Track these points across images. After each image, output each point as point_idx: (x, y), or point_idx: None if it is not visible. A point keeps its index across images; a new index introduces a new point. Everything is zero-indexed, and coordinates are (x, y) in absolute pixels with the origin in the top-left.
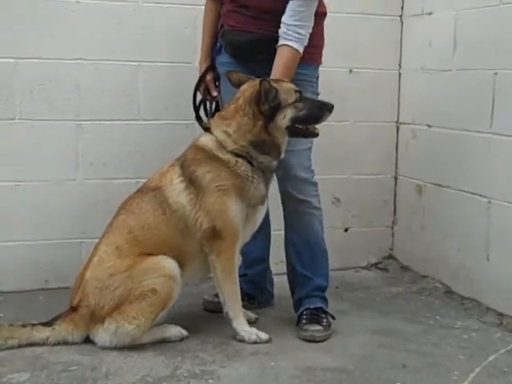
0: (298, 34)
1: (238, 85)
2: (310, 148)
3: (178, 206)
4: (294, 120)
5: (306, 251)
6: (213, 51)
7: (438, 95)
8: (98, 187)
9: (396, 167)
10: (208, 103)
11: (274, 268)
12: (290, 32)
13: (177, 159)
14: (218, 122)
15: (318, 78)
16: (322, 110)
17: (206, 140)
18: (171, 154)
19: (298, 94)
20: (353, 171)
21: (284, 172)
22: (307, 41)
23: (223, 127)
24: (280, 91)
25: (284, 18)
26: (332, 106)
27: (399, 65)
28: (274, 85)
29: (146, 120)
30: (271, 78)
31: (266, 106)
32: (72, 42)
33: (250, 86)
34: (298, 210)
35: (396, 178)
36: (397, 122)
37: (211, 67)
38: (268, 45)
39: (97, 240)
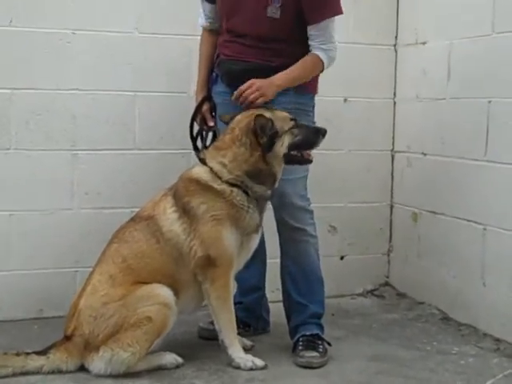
0: (325, 47)
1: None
2: (306, 176)
3: (171, 234)
4: (291, 146)
5: (301, 279)
6: (209, 81)
7: (433, 123)
8: (92, 216)
9: (391, 195)
10: (204, 133)
11: (269, 295)
12: (316, 44)
13: (169, 189)
14: (213, 153)
15: (314, 106)
16: (317, 134)
17: (200, 171)
18: (166, 183)
19: (293, 122)
20: (349, 199)
21: (280, 200)
22: (334, 59)
23: (218, 158)
24: (275, 120)
25: (310, 41)
26: (325, 131)
27: (394, 94)
28: (268, 115)
29: (141, 149)
30: (284, 74)
31: (265, 138)
32: (68, 72)
33: (244, 117)
34: (293, 238)
35: (392, 206)
36: (392, 150)
37: (207, 97)
38: (264, 74)
39: (91, 269)
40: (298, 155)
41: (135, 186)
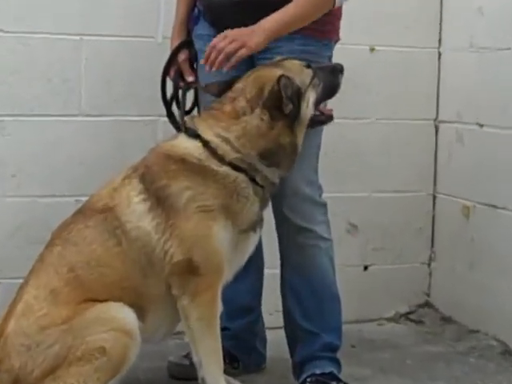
0: None
1: (220, 94)
2: (317, 154)
3: (139, 233)
4: (317, 103)
5: (309, 297)
6: (189, 21)
7: (493, 83)
8: (22, 207)
9: (435, 182)
10: (181, 92)
11: (267, 319)
12: None
13: (133, 169)
14: (210, 122)
15: (330, 57)
16: (335, 74)
17: (189, 146)
18: (124, 161)
19: (310, 70)
20: (375, 187)
21: (280, 187)
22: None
23: (218, 130)
24: (294, 76)
25: None
26: (342, 66)
27: (439, 41)
28: (280, 71)
29: (90, 115)
30: (276, 15)
31: (291, 105)
32: None
33: (251, 81)
34: (298, 242)
35: (434, 197)
36: (435, 119)
37: (186, 43)
38: (257, 9)
39: (20, 280)
40: (318, 113)
41: (82, 166)
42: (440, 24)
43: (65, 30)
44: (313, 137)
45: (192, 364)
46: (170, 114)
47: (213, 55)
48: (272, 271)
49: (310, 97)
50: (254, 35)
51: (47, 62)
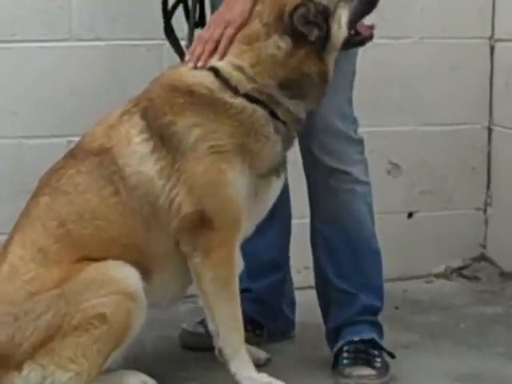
0: None
1: None
2: (351, 82)
3: (140, 179)
4: (351, 21)
5: (344, 251)
6: None
7: None
8: (3, 151)
9: (490, 112)
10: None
11: (296, 278)
12: None
13: (133, 103)
14: None
15: None
16: None
17: (198, 74)
18: (123, 94)
19: None
20: (420, 120)
21: (308, 122)
22: None
23: (228, 57)
24: None
25: None
26: None
27: None
28: None
29: (82, 40)
30: None
31: (316, 31)
32: None
33: (268, 4)
34: (330, 186)
35: (490, 130)
36: (491, 37)
37: None
38: None
39: (4, 237)
40: (353, 32)
41: (74, 99)
42: None
43: None
44: (345, 61)
45: (208, 332)
46: (169, 30)
47: (198, 48)
48: (300, 221)
49: (342, 15)
50: (233, 6)
51: None
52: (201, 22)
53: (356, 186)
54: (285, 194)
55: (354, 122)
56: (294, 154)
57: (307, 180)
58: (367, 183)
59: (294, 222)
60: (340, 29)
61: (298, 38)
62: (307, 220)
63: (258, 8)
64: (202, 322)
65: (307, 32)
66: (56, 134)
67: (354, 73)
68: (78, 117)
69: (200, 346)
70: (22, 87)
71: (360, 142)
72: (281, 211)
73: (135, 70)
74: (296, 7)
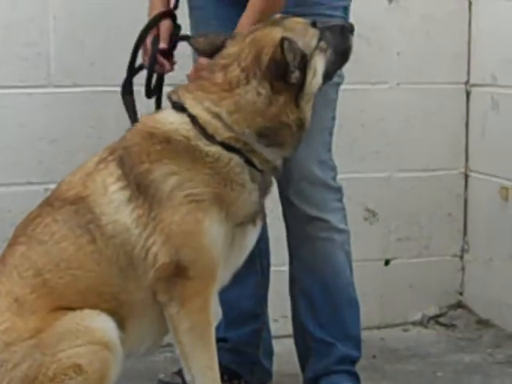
0: None
1: (211, 54)
2: (330, 129)
3: (116, 228)
4: (327, 70)
5: (322, 301)
6: None
7: None
8: None
9: (466, 158)
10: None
11: (273, 327)
12: None
13: (110, 150)
14: (197, 94)
15: (347, 8)
16: (345, 34)
17: (175, 121)
18: (101, 141)
19: (315, 30)
20: (396, 166)
21: (286, 169)
22: None
23: (206, 104)
24: (297, 38)
25: None
26: (352, 26)
27: None
28: (281, 33)
29: (59, 86)
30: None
31: (297, 73)
32: None
33: (247, 46)
34: (307, 234)
35: (467, 176)
36: (466, 82)
37: (170, 14)
38: None
39: None
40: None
41: (52, 147)
42: None
43: None
44: (325, 107)
45: (185, 383)
46: (127, 89)
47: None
48: (278, 269)
49: (318, 64)
50: None
51: (8, 22)
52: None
53: (334, 235)
54: (264, 243)
55: (333, 169)
56: (274, 202)
57: (286, 228)
58: (345, 231)
59: (272, 269)
60: (315, 77)
61: (276, 82)
62: (285, 268)
63: (235, 49)
64: (179, 373)
65: (290, 72)
66: (34, 181)
67: (333, 119)
68: (56, 164)
69: None
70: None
71: (338, 189)
72: (260, 260)
73: (113, 116)
74: (283, 40)
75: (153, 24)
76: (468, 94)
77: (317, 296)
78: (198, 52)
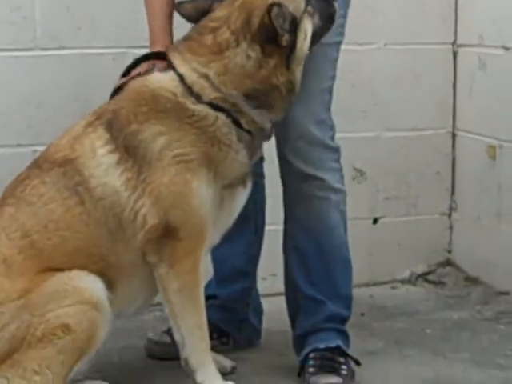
0: None
1: (198, 19)
2: (330, 88)
3: (105, 190)
4: (314, 35)
5: (315, 259)
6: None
7: None
8: None
9: (454, 117)
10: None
11: (262, 285)
12: None
13: (97, 114)
14: (186, 56)
15: None
16: (330, 2)
17: (163, 79)
18: (89, 104)
19: None
20: (385, 125)
21: (283, 128)
22: None
23: (194, 65)
24: (286, 3)
25: None
26: None
27: None
28: None
29: (46, 49)
30: None
31: (287, 36)
32: None
33: (236, 9)
34: (304, 193)
35: (454, 135)
36: (453, 43)
37: (162, 55)
38: None
39: None
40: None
41: (39, 110)
42: None
43: None
44: (325, 65)
45: (174, 342)
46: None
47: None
48: (271, 228)
49: (307, 26)
50: None
51: None
52: None
53: (330, 194)
54: (260, 202)
55: (331, 128)
56: (273, 160)
57: (283, 186)
58: (342, 191)
59: (267, 227)
60: (305, 40)
61: (267, 45)
62: (278, 227)
63: (225, 12)
64: (168, 332)
65: (280, 35)
66: (22, 143)
67: (333, 78)
68: (44, 126)
69: (166, 355)
70: None
71: (336, 149)
72: (254, 219)
73: (101, 79)
74: (271, 6)
75: (143, 60)
76: (455, 54)
77: (310, 254)
78: (185, 18)
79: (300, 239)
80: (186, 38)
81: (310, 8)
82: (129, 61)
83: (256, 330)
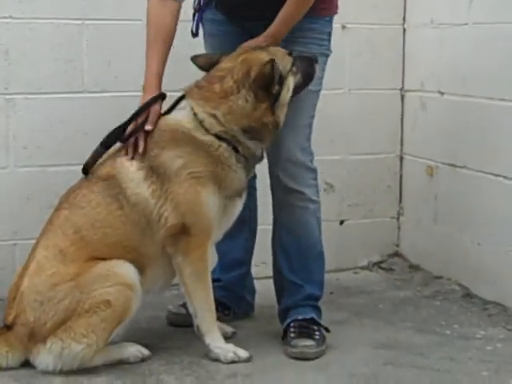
0: None
1: (208, 68)
2: (310, 124)
3: (138, 198)
4: (295, 89)
5: (296, 254)
6: (162, 74)
7: (452, 55)
8: (33, 176)
9: (401, 144)
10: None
11: (255, 270)
12: None
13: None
14: (200, 103)
15: (330, 33)
16: (312, 64)
17: (181, 117)
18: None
19: (290, 57)
20: (348, 150)
21: (275, 153)
22: None
23: (207, 109)
24: (278, 62)
25: None
26: (316, 57)
27: (403, 18)
28: (266, 55)
29: (92, 92)
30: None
31: (277, 87)
32: None
33: (239, 63)
34: (289, 202)
35: (402, 158)
36: (401, 89)
37: (162, 96)
38: (271, 4)
39: (33, 241)
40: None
41: (85, 138)
42: (404, 3)
43: (68, 15)
44: (308, 108)
45: (188, 313)
46: (108, 142)
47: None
48: (262, 227)
49: (290, 83)
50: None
51: (52, 44)
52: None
53: (309, 204)
54: (254, 210)
55: (311, 154)
56: (264, 177)
57: (272, 197)
58: (317, 202)
59: (259, 227)
60: (287, 93)
61: (260, 92)
62: (267, 227)
63: (230, 65)
64: (184, 305)
65: (273, 85)
66: (73, 163)
67: (313, 117)
68: (89, 151)
69: (182, 323)
70: (46, 128)
71: (314, 170)
72: (249, 223)
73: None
74: (272, 60)
75: (145, 108)
76: (402, 97)
77: (291, 249)
78: (199, 67)
79: (284, 238)
80: (200, 86)
81: (294, 68)
82: None
83: (250, 304)
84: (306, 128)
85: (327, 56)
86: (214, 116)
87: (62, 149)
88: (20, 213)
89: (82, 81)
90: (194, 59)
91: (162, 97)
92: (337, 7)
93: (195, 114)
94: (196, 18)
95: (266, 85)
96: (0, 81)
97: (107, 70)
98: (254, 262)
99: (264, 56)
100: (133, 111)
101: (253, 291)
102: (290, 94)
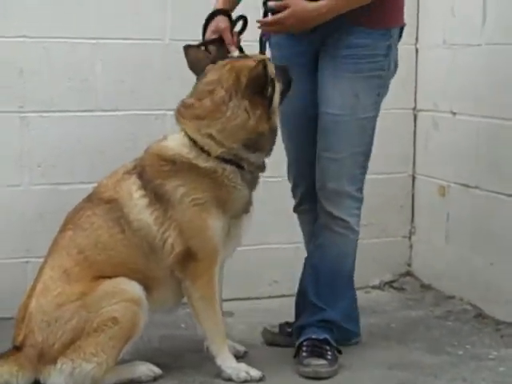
0: None
1: (193, 64)
2: (366, 152)
3: (140, 224)
4: (282, 94)
5: (325, 277)
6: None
7: (465, 76)
8: (46, 194)
9: (414, 164)
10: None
11: (267, 289)
12: None
13: (133, 166)
14: (194, 123)
15: (390, 46)
16: (286, 71)
17: (177, 146)
18: (136, 151)
19: (272, 63)
20: None
21: (320, 177)
22: None
23: (203, 130)
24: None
25: None
26: (287, 66)
27: (416, 38)
28: (257, 61)
29: (105, 110)
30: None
31: (270, 89)
32: (13, 16)
33: (226, 72)
34: (329, 227)
35: (414, 178)
36: (414, 108)
37: (227, 13)
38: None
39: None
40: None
41: (99, 156)
42: (417, 24)
43: (82, 35)
44: (361, 136)
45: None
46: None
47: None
48: (271, 246)
49: (277, 86)
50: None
51: (67, 63)
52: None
53: (349, 233)
54: None
55: (360, 181)
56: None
57: (318, 219)
58: (357, 232)
59: (274, 246)
60: (278, 96)
61: (254, 96)
62: (283, 245)
63: (216, 76)
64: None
65: (267, 87)
66: (86, 181)
67: (370, 143)
68: (103, 168)
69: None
70: (60, 146)
71: (360, 199)
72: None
73: (146, 133)
74: (264, 61)
75: (217, 13)
76: (415, 116)
77: (322, 272)
78: (187, 60)
79: (317, 259)
80: (188, 106)
81: (278, 74)
82: (168, 119)
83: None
84: (356, 156)
85: (382, 77)
86: (210, 136)
87: (76, 167)
88: (33, 230)
89: (95, 99)
90: (186, 49)
91: (226, 13)
92: (396, 21)
93: (194, 141)
94: (263, 42)
95: (260, 86)
96: (14, 99)
97: (121, 89)
98: (266, 281)
99: (250, 62)
100: (146, 130)
101: None
102: (278, 98)
